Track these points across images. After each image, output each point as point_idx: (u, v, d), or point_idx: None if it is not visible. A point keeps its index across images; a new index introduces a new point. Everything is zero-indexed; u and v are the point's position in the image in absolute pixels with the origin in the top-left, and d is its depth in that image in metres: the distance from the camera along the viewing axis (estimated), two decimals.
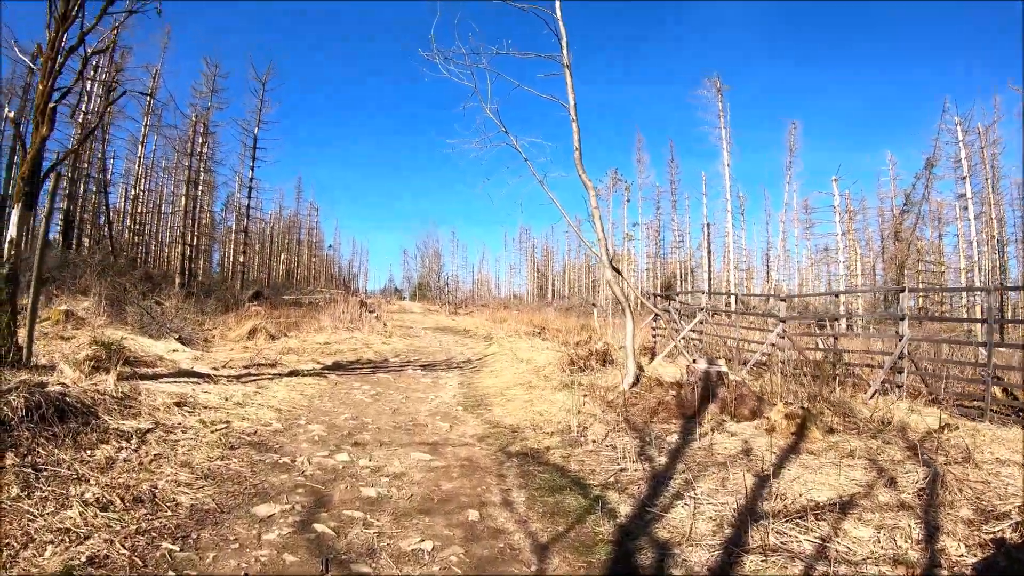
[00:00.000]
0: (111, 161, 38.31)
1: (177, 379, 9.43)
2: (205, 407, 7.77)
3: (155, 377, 9.40)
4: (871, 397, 10.86)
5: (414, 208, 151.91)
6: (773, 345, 15.86)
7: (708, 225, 54.55)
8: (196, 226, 39.78)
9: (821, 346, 16.65)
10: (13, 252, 8.06)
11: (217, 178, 45.92)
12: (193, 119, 34.17)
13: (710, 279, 54.36)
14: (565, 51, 11.58)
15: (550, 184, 12.12)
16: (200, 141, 38.16)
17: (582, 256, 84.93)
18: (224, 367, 11.58)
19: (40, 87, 8.29)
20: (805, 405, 8.14)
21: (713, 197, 52.08)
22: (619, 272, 12.25)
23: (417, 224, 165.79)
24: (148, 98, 36.81)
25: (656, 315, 22.08)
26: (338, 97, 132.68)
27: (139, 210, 39.46)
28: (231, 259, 49.95)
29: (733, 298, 36.35)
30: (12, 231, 8.10)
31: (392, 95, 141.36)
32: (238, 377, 10.42)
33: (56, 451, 5.39)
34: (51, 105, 8.26)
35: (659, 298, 23.72)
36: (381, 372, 13.08)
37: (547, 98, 11.88)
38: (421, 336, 24.95)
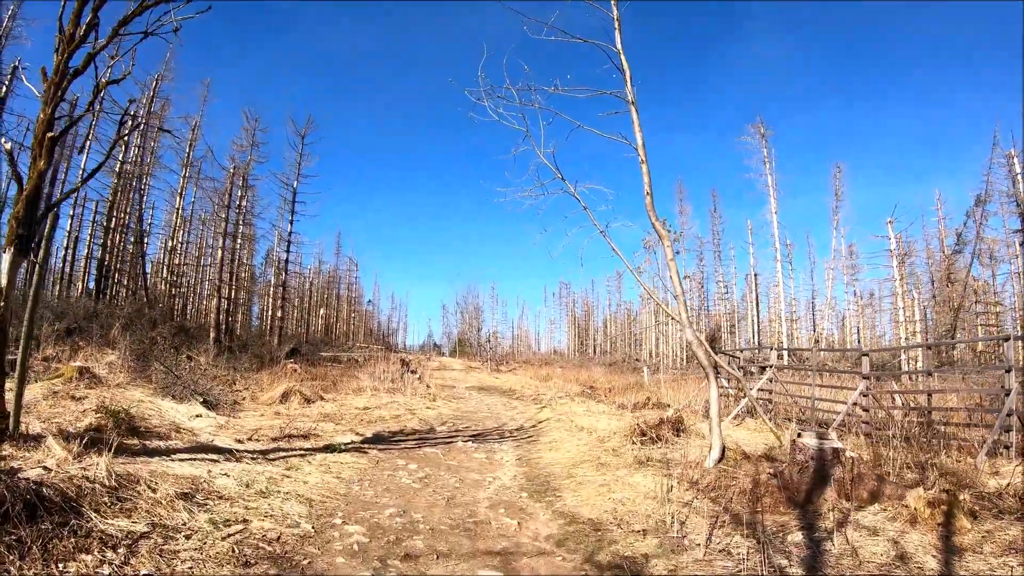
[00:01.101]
0: (149, 211, 37.99)
1: (193, 456, 7.98)
2: (220, 497, 6.28)
3: (168, 452, 7.98)
4: (984, 461, 9.37)
5: (453, 263, 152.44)
6: (855, 404, 14.17)
7: (755, 275, 52.83)
8: (233, 279, 38.99)
9: (906, 404, 15.05)
10: (2, 303, 6.75)
11: (257, 232, 45.57)
12: (231, 171, 33.44)
13: (758, 331, 52.77)
14: (629, 86, 10.41)
15: (611, 234, 10.82)
16: (239, 194, 37.58)
17: (623, 310, 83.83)
18: (250, 439, 10.13)
19: (40, 115, 7.05)
20: (947, 488, 6.76)
21: (760, 246, 50.35)
22: (699, 336, 10.64)
23: (456, 279, 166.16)
24: (188, 149, 37.00)
25: (717, 373, 20.40)
26: (377, 150, 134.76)
27: (176, 262, 38.84)
28: (270, 313, 49.03)
29: (785, 352, 34.42)
30: (2, 279, 6.80)
31: (433, 147, 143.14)
32: (264, 453, 8.92)
33: (18, 564, 4.04)
34: (49, 135, 6.99)
35: (722, 355, 21.94)
36: (428, 445, 11.46)
37: (613, 138, 10.66)
38: (466, 398, 23.31)
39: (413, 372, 23.94)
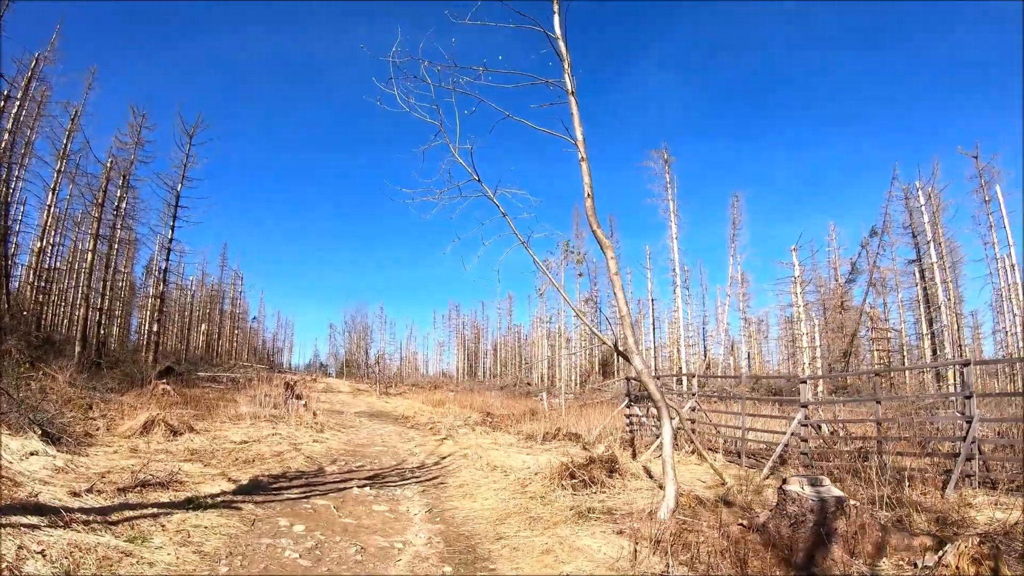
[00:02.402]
0: (19, 207, 34.24)
1: (4, 518, 6.02)
2: None
3: None
4: (952, 494, 9.14)
5: (342, 282, 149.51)
6: (794, 435, 13.43)
7: (652, 300, 52.91)
8: (107, 288, 35.73)
9: (837, 432, 14.57)
10: None
11: (138, 238, 42.21)
12: (108, 166, 30.32)
13: (654, 355, 52.85)
14: (568, 76, 9.39)
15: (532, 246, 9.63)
16: (118, 194, 34.44)
17: (513, 334, 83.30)
18: (92, 488, 8.07)
19: None
20: (997, 541, 5.87)
21: (657, 272, 50.50)
22: (648, 366, 9.36)
23: (346, 297, 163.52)
24: (65, 140, 33.40)
25: (629, 402, 19.44)
26: (267, 163, 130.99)
27: (45, 265, 35.16)
28: (147, 327, 45.49)
29: (695, 379, 33.93)
30: None
31: (326, 162, 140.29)
32: (105, 513, 6.93)
33: None
34: None
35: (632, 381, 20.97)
36: (317, 494, 9.57)
37: (549, 132, 9.61)
38: (357, 427, 21.33)
39: (298, 398, 21.83)
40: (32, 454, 9.65)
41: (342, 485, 10.50)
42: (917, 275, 38.67)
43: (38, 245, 34.11)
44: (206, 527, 7.00)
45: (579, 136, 9.17)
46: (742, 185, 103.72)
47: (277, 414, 17.93)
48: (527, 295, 75.62)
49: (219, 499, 8.36)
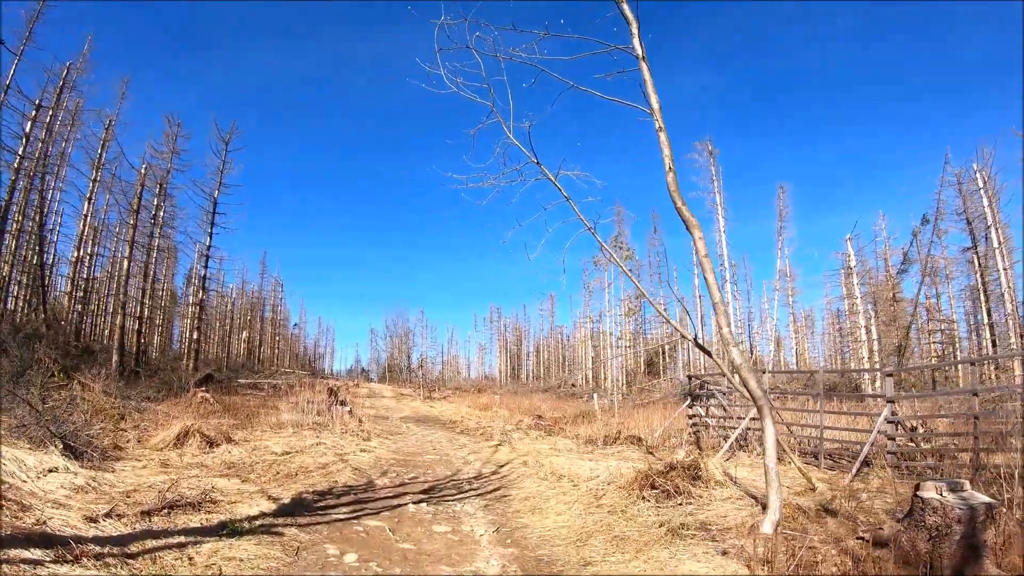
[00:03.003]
0: (57, 218, 34.03)
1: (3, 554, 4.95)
2: None
3: None
4: None
5: (382, 288, 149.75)
6: (881, 433, 12.01)
7: (699, 297, 51.31)
8: (146, 296, 35.31)
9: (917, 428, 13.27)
10: None
11: (179, 247, 42.05)
12: (142, 172, 29.68)
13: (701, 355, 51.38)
14: (637, 40, 8.16)
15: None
16: (155, 203, 34.03)
17: (556, 335, 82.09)
18: (112, 513, 6.98)
19: None
20: None
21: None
22: (747, 358, 8.11)
23: (386, 303, 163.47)
24: (100, 149, 33.03)
25: (692, 402, 18.20)
26: (305, 172, 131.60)
27: (83, 275, 34.82)
28: (188, 335, 45.04)
29: (765, 375, 32.08)
30: None
31: (364, 170, 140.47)
32: (123, 543, 5.83)
33: None
34: None
35: (693, 380, 19.65)
36: (368, 512, 8.40)
37: (619, 102, 8.38)
38: (404, 433, 20.20)
39: (343, 403, 20.75)
40: (51, 471, 8.64)
41: (395, 501, 9.32)
42: (975, 263, 36.47)
43: (75, 255, 33.73)
44: (241, 559, 5.83)
45: (655, 105, 7.97)
46: (784, 179, 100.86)
47: (320, 421, 16.84)
48: (568, 296, 74.24)
49: (257, 523, 7.20)
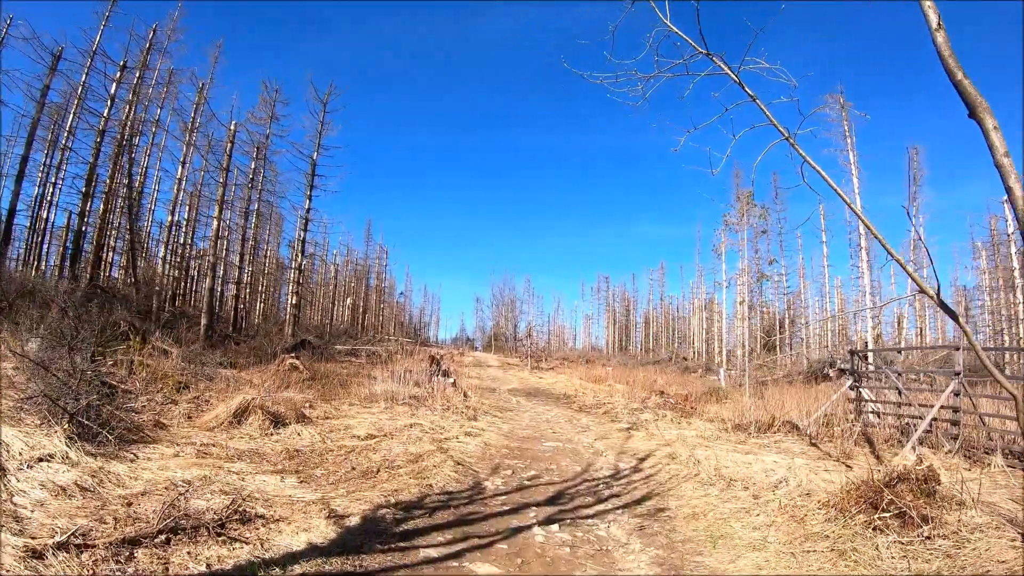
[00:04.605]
0: (153, 184, 33.22)
1: None
2: None
3: None
4: None
5: (486, 256, 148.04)
6: None
7: (827, 266, 46.77)
8: (246, 262, 33.96)
9: None
10: None
11: (284, 217, 43.22)
12: (232, 128, 27.68)
13: (829, 329, 49.08)
14: None
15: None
16: (252, 167, 32.66)
17: (665, 305, 78.94)
18: (75, 541, 4.38)
19: None
20: None
21: (837, 234, 44.53)
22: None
23: (490, 271, 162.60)
24: (192, 114, 31.90)
25: (855, 383, 14.83)
26: (408, 141, 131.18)
27: (180, 240, 33.73)
28: (289, 300, 43.92)
29: (958, 352, 28.16)
30: None
31: (466, 138, 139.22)
32: None
33: None
34: None
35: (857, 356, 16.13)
36: (476, 546, 5.45)
37: None
38: (515, 410, 17.29)
39: (445, 374, 18.09)
40: (43, 459, 6.24)
41: (514, 520, 6.36)
42: None
43: (169, 219, 32.76)
44: None
45: None
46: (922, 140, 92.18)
47: (418, 395, 14.20)
48: (679, 265, 70.19)
49: (298, 571, 4.44)
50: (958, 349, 12.35)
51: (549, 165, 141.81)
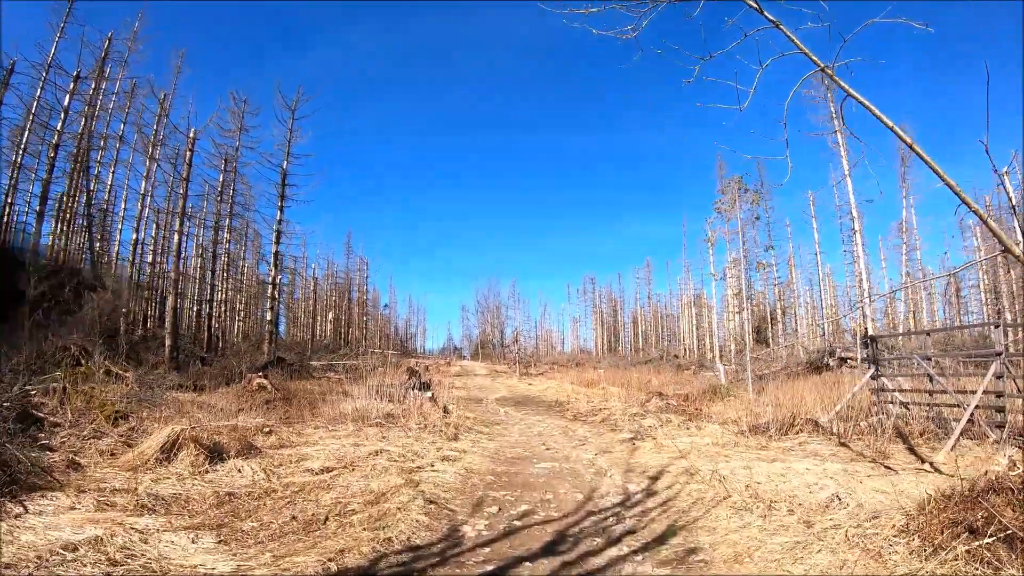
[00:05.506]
0: (121, 203, 31.99)
1: None
2: None
3: None
4: None
5: (471, 264, 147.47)
6: None
7: (819, 252, 46.83)
8: (215, 279, 32.83)
9: None
10: None
11: (261, 234, 41.79)
12: (191, 136, 25.98)
13: (822, 317, 49.66)
14: None
15: None
16: (221, 181, 31.96)
17: (653, 303, 79.92)
18: None
19: None
20: None
21: (825, 220, 43.82)
22: None
23: (475, 278, 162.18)
24: (155, 125, 30.72)
25: (876, 372, 13.61)
26: (383, 150, 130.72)
27: (148, 259, 32.40)
28: (266, 317, 42.50)
29: (1000, 329, 26.77)
30: None
31: (441, 145, 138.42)
32: None
33: None
34: None
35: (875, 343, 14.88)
36: None
37: None
38: (504, 423, 15.66)
39: (424, 387, 16.45)
40: None
41: None
42: None
43: (134, 237, 31.53)
44: None
45: None
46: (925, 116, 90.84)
47: (392, 412, 12.64)
48: (665, 261, 69.20)
49: None
50: (998, 327, 11.16)
51: (532, 166, 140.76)
